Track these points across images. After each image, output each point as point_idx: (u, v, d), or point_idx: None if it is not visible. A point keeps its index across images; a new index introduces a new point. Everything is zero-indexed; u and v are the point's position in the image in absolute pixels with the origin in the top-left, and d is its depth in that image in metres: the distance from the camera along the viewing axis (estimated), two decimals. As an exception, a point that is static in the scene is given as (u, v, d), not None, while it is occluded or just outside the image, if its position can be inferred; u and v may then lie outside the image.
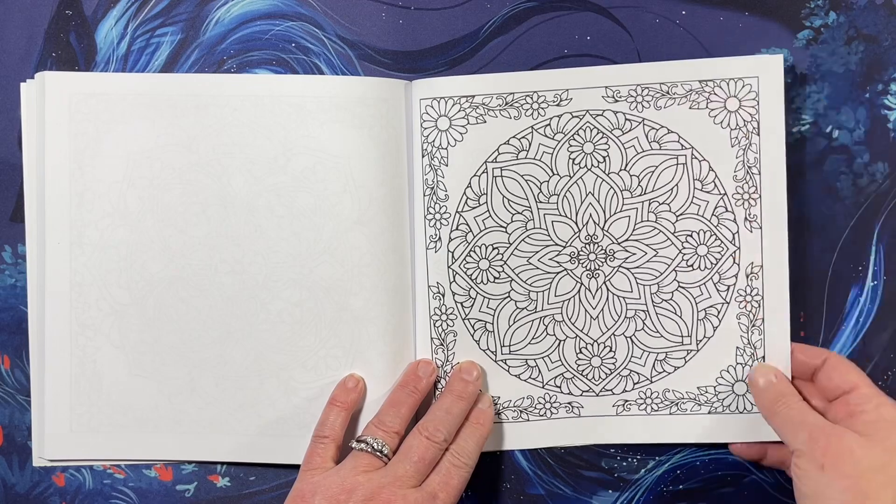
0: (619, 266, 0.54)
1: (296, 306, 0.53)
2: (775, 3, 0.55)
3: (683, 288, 0.54)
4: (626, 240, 0.54)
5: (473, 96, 0.54)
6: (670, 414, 0.55)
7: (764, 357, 0.54)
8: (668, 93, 0.54)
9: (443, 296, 0.55)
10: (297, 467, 0.52)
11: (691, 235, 0.54)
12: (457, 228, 0.54)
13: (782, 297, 0.54)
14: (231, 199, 0.53)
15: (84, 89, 0.53)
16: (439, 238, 0.54)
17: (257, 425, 0.54)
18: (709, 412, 0.55)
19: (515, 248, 0.54)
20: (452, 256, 0.54)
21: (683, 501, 0.56)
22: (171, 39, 0.55)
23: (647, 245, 0.54)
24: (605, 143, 0.54)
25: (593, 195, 0.54)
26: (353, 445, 0.50)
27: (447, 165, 0.54)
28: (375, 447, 0.49)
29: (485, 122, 0.54)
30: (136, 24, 0.55)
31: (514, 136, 0.54)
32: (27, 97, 0.54)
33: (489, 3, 0.55)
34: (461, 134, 0.54)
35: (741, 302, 0.54)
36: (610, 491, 0.56)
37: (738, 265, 0.54)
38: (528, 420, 0.55)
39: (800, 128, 0.56)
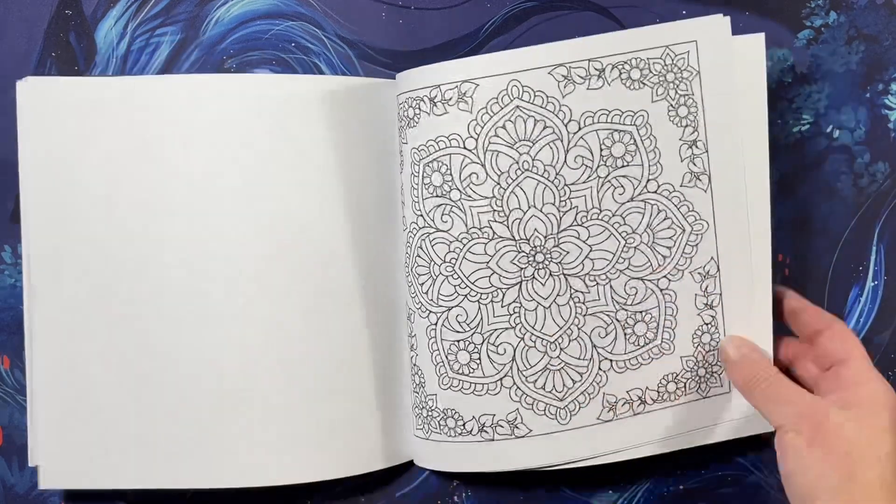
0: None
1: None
2: (775, 3, 0.55)
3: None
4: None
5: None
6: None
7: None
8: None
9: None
10: (287, 487, 0.51)
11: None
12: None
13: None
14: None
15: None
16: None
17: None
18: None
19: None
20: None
21: (683, 501, 0.56)
22: (170, 39, 0.55)
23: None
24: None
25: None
26: None
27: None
28: None
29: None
30: (136, 23, 0.55)
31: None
32: (21, 98, 0.54)
33: (489, 3, 0.55)
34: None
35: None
36: (610, 491, 0.56)
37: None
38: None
39: (800, 128, 0.56)
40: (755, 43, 0.50)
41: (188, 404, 0.52)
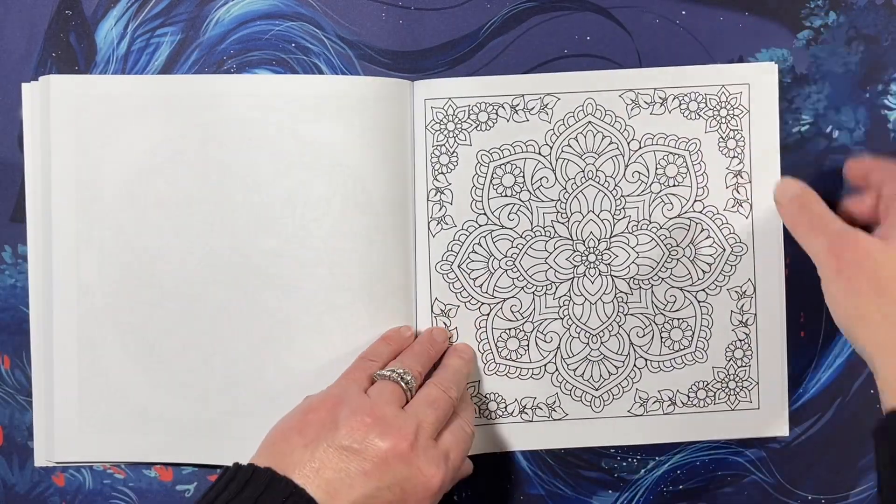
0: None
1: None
2: (775, 3, 0.55)
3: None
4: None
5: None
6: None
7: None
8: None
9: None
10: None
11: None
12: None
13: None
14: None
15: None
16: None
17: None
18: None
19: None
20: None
21: (683, 501, 0.56)
22: (170, 39, 0.55)
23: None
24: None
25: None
26: (378, 376, 0.49)
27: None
28: (401, 375, 0.48)
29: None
30: (136, 24, 0.55)
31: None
32: (30, 98, 0.54)
33: (489, 3, 0.55)
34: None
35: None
36: (610, 491, 0.56)
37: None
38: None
39: (800, 128, 0.56)
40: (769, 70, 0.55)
41: (200, 386, 0.54)
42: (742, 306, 0.55)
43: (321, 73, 0.55)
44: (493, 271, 0.55)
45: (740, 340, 0.55)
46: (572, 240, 0.55)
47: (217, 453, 0.54)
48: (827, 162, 0.56)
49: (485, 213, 0.54)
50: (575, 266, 0.55)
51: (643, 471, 0.56)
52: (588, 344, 0.55)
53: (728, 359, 0.55)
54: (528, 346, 0.55)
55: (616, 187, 0.54)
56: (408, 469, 0.44)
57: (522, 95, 0.54)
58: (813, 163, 0.56)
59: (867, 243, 0.46)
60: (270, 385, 0.54)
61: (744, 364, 0.55)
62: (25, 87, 0.54)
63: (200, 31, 0.55)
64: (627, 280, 0.55)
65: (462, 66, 0.55)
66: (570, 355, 0.55)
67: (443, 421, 0.48)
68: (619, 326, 0.55)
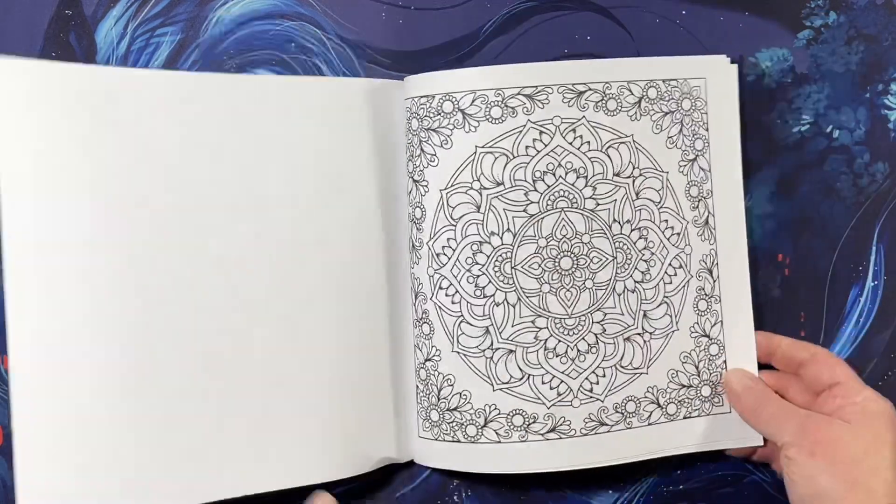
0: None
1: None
2: (775, 3, 0.55)
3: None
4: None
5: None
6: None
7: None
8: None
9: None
10: (294, 491, 0.51)
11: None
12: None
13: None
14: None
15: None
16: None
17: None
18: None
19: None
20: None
21: (683, 501, 0.56)
22: (170, 39, 0.55)
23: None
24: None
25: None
26: None
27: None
28: None
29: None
30: (136, 24, 0.55)
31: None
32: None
33: (489, 3, 0.55)
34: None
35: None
36: (610, 491, 0.56)
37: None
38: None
39: (800, 128, 0.56)
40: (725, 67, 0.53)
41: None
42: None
43: (321, 73, 0.55)
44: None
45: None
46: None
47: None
48: (827, 162, 0.56)
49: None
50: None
51: (643, 471, 0.56)
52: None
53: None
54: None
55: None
56: None
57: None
58: (813, 163, 0.56)
59: (837, 429, 0.47)
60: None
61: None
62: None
63: (200, 31, 0.55)
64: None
65: (462, 66, 0.55)
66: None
67: None
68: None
